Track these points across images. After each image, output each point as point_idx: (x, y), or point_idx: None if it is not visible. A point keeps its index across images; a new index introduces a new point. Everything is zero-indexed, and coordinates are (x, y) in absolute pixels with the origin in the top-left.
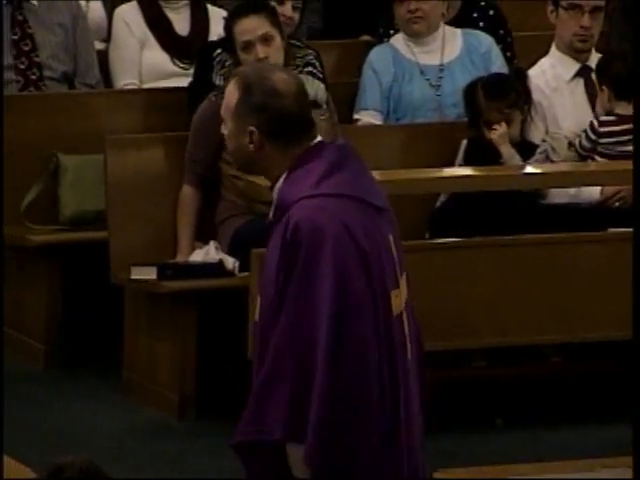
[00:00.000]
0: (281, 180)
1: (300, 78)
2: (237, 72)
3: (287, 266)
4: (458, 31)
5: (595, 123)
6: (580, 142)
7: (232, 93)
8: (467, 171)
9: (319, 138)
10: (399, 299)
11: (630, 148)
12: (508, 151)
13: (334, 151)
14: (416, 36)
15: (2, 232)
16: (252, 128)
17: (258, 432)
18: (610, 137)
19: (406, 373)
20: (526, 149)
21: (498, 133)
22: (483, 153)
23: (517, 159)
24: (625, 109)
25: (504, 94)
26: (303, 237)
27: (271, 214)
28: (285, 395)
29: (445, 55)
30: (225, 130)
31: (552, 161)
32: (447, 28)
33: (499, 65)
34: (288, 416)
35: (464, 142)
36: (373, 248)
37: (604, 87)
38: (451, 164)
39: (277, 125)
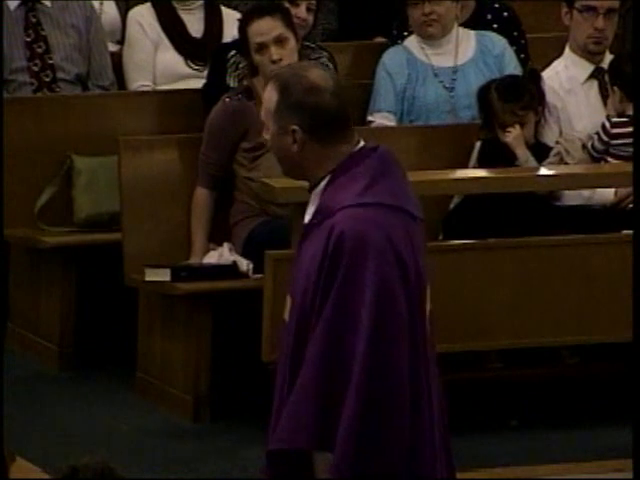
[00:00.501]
0: (323, 183)
1: (335, 74)
2: (273, 75)
3: (328, 273)
4: (472, 33)
5: (607, 124)
6: (593, 144)
7: (271, 96)
8: (481, 173)
9: (362, 142)
10: (426, 307)
11: None
12: (524, 153)
13: (378, 158)
14: (430, 39)
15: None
16: (294, 127)
17: (291, 441)
18: (622, 138)
19: (430, 380)
20: (540, 151)
21: (513, 135)
22: (497, 155)
23: (532, 161)
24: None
25: (518, 96)
26: (347, 247)
27: (309, 216)
28: (319, 403)
29: (459, 57)
30: (267, 134)
31: (566, 163)
32: (461, 30)
33: (513, 67)
34: (319, 424)
35: (478, 144)
36: (411, 259)
37: (615, 88)
38: (465, 166)
39: (318, 120)
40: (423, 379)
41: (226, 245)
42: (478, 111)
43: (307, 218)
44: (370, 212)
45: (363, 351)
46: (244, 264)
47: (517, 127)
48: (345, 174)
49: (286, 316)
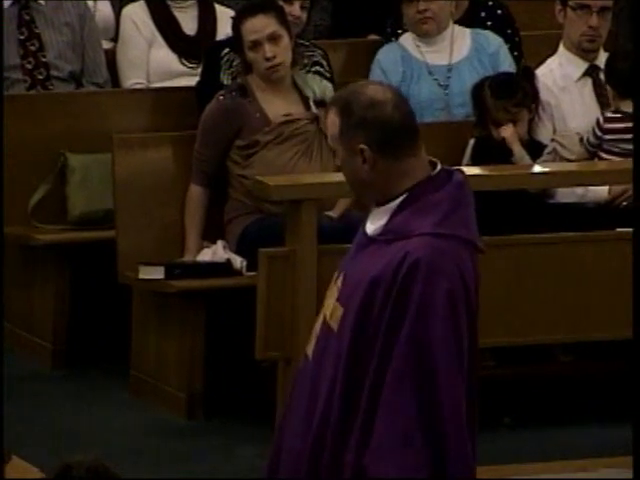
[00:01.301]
0: (398, 201)
1: (394, 86)
2: (331, 101)
3: (398, 298)
4: (467, 31)
5: (601, 119)
6: (588, 138)
7: (333, 122)
8: (474, 170)
9: (439, 165)
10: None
11: (632, 147)
12: (519, 151)
13: (457, 186)
14: (425, 36)
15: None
16: (362, 146)
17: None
18: (614, 134)
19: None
20: (534, 149)
21: (509, 132)
22: (491, 152)
23: (527, 159)
24: (630, 107)
25: (511, 93)
26: (421, 275)
27: (376, 229)
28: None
29: (453, 55)
30: (338, 161)
31: (566, 159)
32: (456, 28)
33: (507, 65)
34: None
35: (471, 141)
36: (474, 290)
37: (608, 86)
38: (458, 163)
39: (383, 135)
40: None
41: (220, 243)
42: (472, 109)
43: (371, 230)
44: (446, 243)
45: (447, 378)
46: (238, 261)
47: (510, 125)
48: (424, 198)
49: (333, 324)
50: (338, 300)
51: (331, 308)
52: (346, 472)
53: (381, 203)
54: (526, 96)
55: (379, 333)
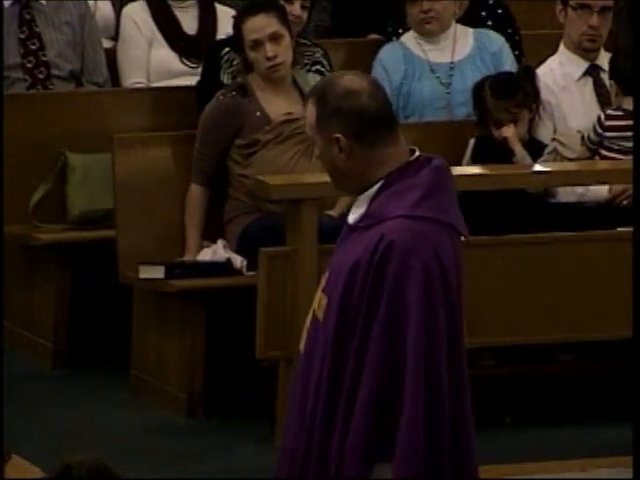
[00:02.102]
0: (375, 188)
1: (372, 76)
2: (309, 92)
3: (374, 281)
4: (470, 30)
5: (602, 117)
6: (589, 136)
7: (310, 112)
8: (475, 170)
9: (417, 152)
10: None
11: (633, 144)
12: (520, 151)
13: (435, 170)
14: (429, 36)
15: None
16: (337, 135)
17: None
18: (615, 131)
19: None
20: (534, 148)
21: (511, 132)
22: (491, 152)
23: (528, 159)
24: (632, 105)
25: (511, 93)
26: (395, 257)
27: (356, 217)
28: (371, 420)
29: (456, 53)
30: (317, 151)
31: (566, 158)
32: (459, 27)
33: (510, 64)
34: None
35: (472, 141)
36: (454, 276)
37: (612, 83)
38: (459, 163)
39: (359, 123)
40: (461, 392)
41: (220, 242)
42: (473, 108)
43: (352, 219)
44: (421, 226)
45: (414, 364)
46: (238, 261)
47: (512, 125)
48: (400, 182)
49: (319, 314)
50: (323, 291)
51: (317, 300)
52: (331, 458)
53: (360, 192)
54: (527, 96)
55: (359, 316)
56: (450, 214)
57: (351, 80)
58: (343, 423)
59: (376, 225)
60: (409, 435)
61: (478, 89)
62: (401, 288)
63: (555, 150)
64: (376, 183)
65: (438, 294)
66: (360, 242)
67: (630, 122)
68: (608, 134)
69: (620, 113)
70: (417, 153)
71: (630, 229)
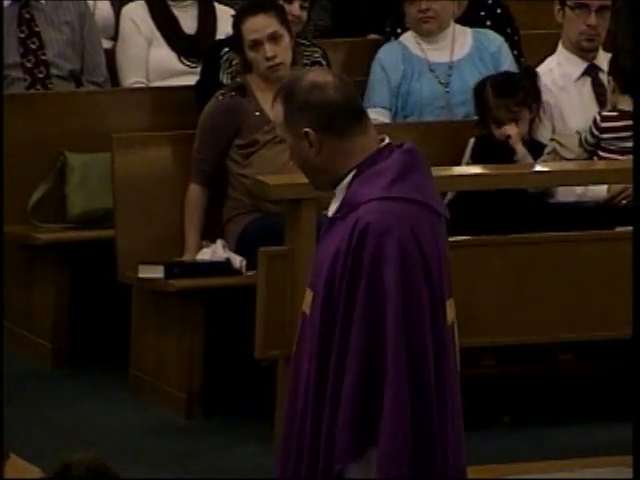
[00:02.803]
0: (348, 178)
1: (336, 71)
2: (276, 90)
3: (353, 266)
4: (468, 30)
5: (598, 118)
6: (585, 137)
7: (278, 110)
8: (474, 170)
9: (387, 139)
10: (452, 309)
11: (631, 144)
12: (522, 150)
13: (406, 153)
14: (427, 35)
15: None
16: (306, 129)
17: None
18: (611, 132)
19: (453, 379)
20: (534, 149)
21: (514, 131)
22: (491, 151)
23: (529, 159)
24: (628, 104)
25: (513, 92)
26: (371, 239)
27: (334, 209)
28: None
29: (455, 53)
30: (289, 151)
31: (565, 158)
32: (457, 26)
33: (509, 64)
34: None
35: (472, 140)
36: (434, 256)
37: (610, 80)
38: (458, 163)
39: (326, 116)
40: (446, 373)
41: (219, 242)
42: (474, 107)
43: (330, 212)
44: (395, 206)
45: (394, 347)
46: (237, 261)
47: (513, 125)
48: (371, 168)
49: (306, 309)
50: (309, 286)
51: (305, 296)
52: (321, 446)
53: (335, 185)
54: (528, 95)
55: (340, 303)
56: (426, 194)
57: (315, 75)
58: (331, 410)
59: (351, 212)
60: (394, 419)
61: (479, 88)
62: (379, 269)
63: (554, 150)
64: (349, 173)
65: (417, 272)
66: (337, 232)
67: (626, 122)
68: (604, 135)
69: (615, 114)
70: (387, 140)
71: (629, 229)
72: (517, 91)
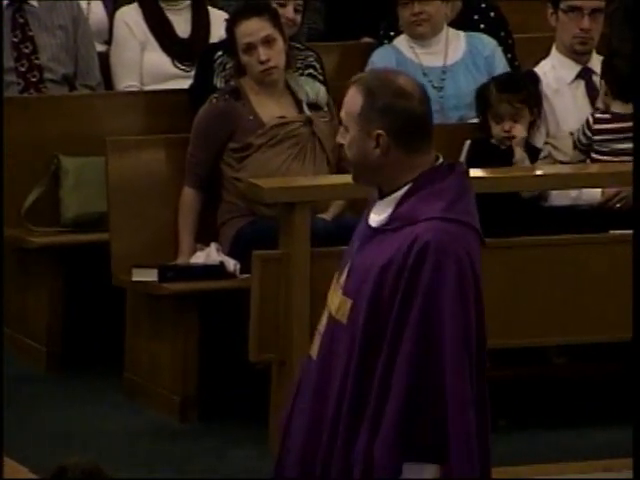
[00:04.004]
0: (402, 192)
1: (420, 82)
2: (356, 79)
3: (409, 282)
4: (462, 33)
5: (590, 120)
6: (578, 137)
7: (354, 99)
8: (470, 173)
9: (441, 157)
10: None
11: (624, 146)
12: (521, 153)
13: (460, 176)
14: (420, 39)
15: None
16: (380, 131)
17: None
18: (603, 134)
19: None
20: (529, 153)
21: (519, 130)
22: (487, 155)
23: (527, 162)
24: (620, 107)
25: (516, 89)
26: (431, 258)
27: (381, 220)
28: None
29: (448, 57)
30: (344, 139)
31: (559, 161)
32: (451, 30)
33: (502, 68)
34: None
35: (467, 143)
36: (481, 281)
37: (602, 82)
38: None
39: (405, 126)
40: (485, 403)
41: (213, 245)
42: (476, 109)
43: (376, 221)
44: (454, 228)
45: (452, 361)
46: (231, 264)
47: (517, 127)
48: (429, 187)
49: (340, 316)
50: (345, 294)
51: (337, 303)
52: (357, 460)
53: (384, 194)
54: (530, 96)
55: (390, 318)
56: (474, 219)
57: (405, 81)
58: (372, 424)
59: (406, 227)
60: (463, 436)
61: (483, 89)
62: (436, 289)
63: (549, 154)
64: (403, 186)
65: (471, 294)
66: (389, 244)
67: (618, 125)
68: (596, 137)
69: (608, 116)
70: (440, 159)
71: (623, 232)
72: (520, 88)
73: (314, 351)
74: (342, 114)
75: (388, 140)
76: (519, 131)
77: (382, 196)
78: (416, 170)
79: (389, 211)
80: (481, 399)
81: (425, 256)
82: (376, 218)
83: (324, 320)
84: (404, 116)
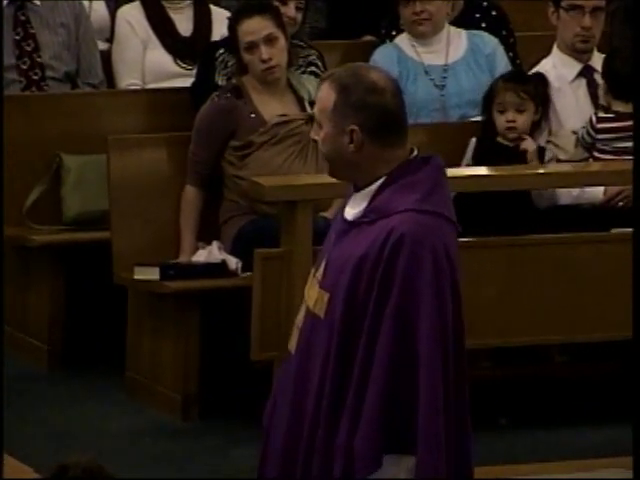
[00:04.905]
0: (376, 185)
1: (393, 76)
2: (328, 75)
3: (385, 273)
4: (463, 32)
5: (593, 119)
6: (582, 135)
7: (328, 95)
8: (471, 171)
9: (416, 150)
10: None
11: (626, 145)
12: (532, 159)
13: (436, 168)
14: (422, 37)
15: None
16: (353, 127)
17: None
18: (607, 133)
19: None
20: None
21: (529, 144)
22: (493, 153)
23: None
24: (621, 106)
25: (524, 80)
26: (406, 249)
27: (356, 213)
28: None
29: (450, 55)
30: (318, 135)
31: (560, 159)
32: (452, 29)
33: (504, 66)
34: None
35: (473, 140)
36: (458, 269)
37: (604, 81)
38: (455, 165)
39: (378, 122)
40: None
41: (215, 243)
42: (481, 109)
43: (351, 215)
44: (429, 219)
45: (431, 358)
46: (233, 262)
47: (529, 141)
48: (403, 179)
49: (317, 310)
50: (322, 288)
51: (314, 297)
52: (337, 454)
53: (360, 188)
54: (537, 93)
55: (367, 310)
56: (450, 210)
57: (378, 76)
58: (352, 417)
59: (381, 219)
60: (430, 427)
61: (490, 86)
62: (412, 280)
63: (553, 156)
64: (377, 180)
65: (447, 285)
66: (364, 237)
67: (621, 124)
68: (599, 136)
69: (611, 115)
70: (415, 152)
71: (625, 230)
72: (528, 81)
73: (292, 346)
74: (315, 110)
75: (362, 135)
76: (522, 123)
77: (357, 190)
78: (391, 164)
79: (364, 204)
80: (459, 396)
81: (401, 248)
82: (351, 212)
83: (302, 314)
84: (377, 111)
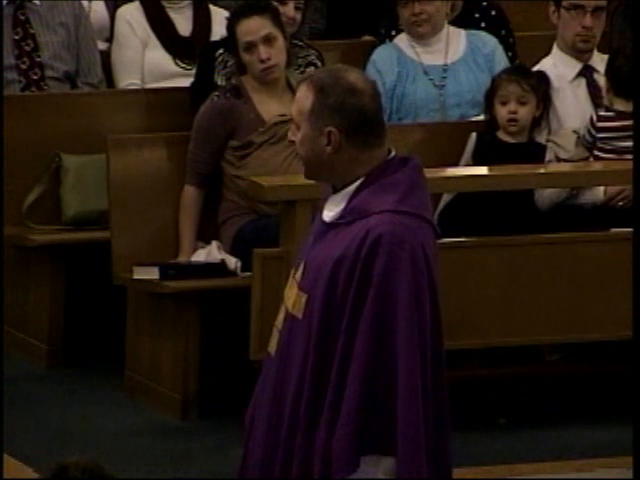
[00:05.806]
0: (354, 186)
1: (371, 78)
2: (307, 77)
3: (362, 274)
4: (462, 32)
5: (594, 117)
6: (584, 135)
7: (305, 97)
8: (472, 171)
9: (394, 151)
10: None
11: (627, 144)
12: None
13: (414, 169)
14: (421, 38)
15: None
16: (331, 128)
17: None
18: (607, 132)
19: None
20: (534, 150)
21: (522, 117)
22: (493, 149)
23: None
24: (623, 105)
25: (527, 74)
26: (384, 250)
27: (334, 215)
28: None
29: (449, 55)
30: (296, 136)
31: (560, 158)
32: (451, 28)
33: (503, 66)
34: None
35: (473, 135)
36: (436, 270)
37: (606, 79)
38: (454, 164)
39: (356, 123)
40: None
41: (214, 243)
42: (484, 107)
43: (329, 216)
44: (407, 220)
45: (404, 354)
46: (232, 262)
47: (522, 109)
48: (382, 180)
49: (296, 312)
50: (300, 289)
51: (293, 299)
52: (316, 456)
53: (337, 189)
54: (540, 85)
55: (345, 311)
56: (428, 211)
57: (356, 77)
58: (330, 419)
59: (360, 220)
60: (410, 427)
61: (493, 78)
62: (389, 281)
63: (555, 155)
64: (355, 181)
65: (425, 285)
66: (342, 238)
67: (622, 123)
68: (600, 135)
69: (611, 114)
70: (393, 153)
71: (625, 230)
72: (530, 75)
73: (272, 348)
74: (293, 112)
75: (340, 137)
76: (523, 115)
77: (335, 191)
78: (369, 165)
79: (342, 205)
80: (438, 396)
81: (378, 248)
82: (329, 213)
83: (281, 316)
84: (355, 113)
